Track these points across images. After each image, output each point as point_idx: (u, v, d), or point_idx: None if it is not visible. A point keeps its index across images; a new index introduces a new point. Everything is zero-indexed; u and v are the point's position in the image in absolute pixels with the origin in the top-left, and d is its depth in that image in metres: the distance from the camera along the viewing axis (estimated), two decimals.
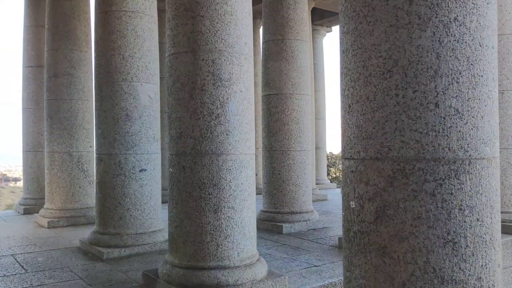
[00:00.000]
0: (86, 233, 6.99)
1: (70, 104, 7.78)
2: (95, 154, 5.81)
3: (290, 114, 7.05)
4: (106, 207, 5.59)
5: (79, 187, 7.85)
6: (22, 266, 5.08)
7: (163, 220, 5.57)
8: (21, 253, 5.65)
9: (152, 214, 5.75)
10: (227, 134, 3.81)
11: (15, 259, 5.39)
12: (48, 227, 7.47)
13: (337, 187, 14.97)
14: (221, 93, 3.81)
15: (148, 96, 5.72)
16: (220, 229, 3.77)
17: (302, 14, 7.31)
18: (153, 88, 5.81)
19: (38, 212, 9.05)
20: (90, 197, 8.03)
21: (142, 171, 5.63)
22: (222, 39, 3.84)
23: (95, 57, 5.77)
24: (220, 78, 3.82)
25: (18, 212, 9.34)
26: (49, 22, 7.88)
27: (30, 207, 9.21)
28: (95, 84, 5.78)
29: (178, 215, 3.88)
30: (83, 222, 7.77)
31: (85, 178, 7.94)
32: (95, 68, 5.80)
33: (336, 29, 15.37)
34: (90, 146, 8.07)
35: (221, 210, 3.78)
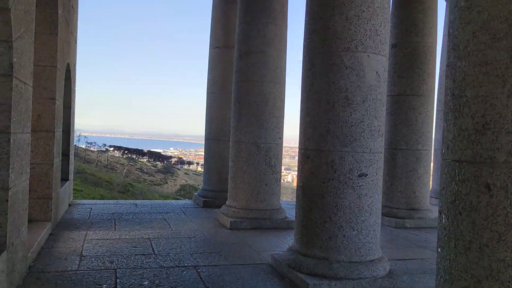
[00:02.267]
0: (273, 242, 5.76)
1: (261, 87, 6.67)
2: (299, 148, 4.44)
3: None
4: (311, 220, 4.18)
5: (265, 184, 6.71)
6: (207, 287, 3.98)
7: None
8: (205, 266, 4.60)
9: (371, 236, 4.15)
10: None
11: (198, 274, 4.34)
12: (230, 228, 6.49)
13: None
14: None
15: (375, 73, 4.11)
16: None
17: None
18: (382, 61, 4.18)
19: (217, 207, 8.29)
20: (276, 197, 6.84)
21: (362, 176, 4.05)
22: None
23: (308, 21, 4.36)
24: None
25: (198, 204, 8.74)
26: None
27: (210, 200, 8.51)
28: (304, 57, 4.39)
29: (471, 267, 2.16)
30: (267, 226, 6.61)
31: (272, 174, 6.77)
32: (306, 36, 4.40)
33: None
34: (279, 138, 6.87)
35: None
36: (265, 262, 4.81)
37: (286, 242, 5.81)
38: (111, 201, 8.79)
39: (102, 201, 8.70)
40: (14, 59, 3.36)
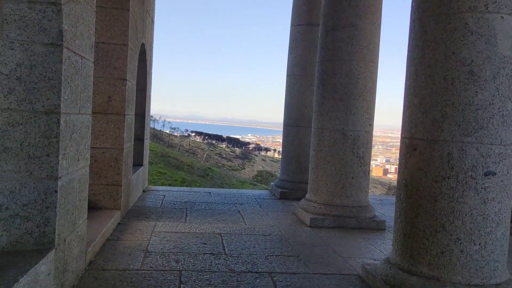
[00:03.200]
0: (362, 247, 4.94)
1: (349, 66, 5.80)
2: (402, 138, 3.57)
3: None
4: (417, 228, 3.32)
5: (352, 177, 5.87)
6: None
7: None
8: (281, 273, 3.93)
9: (498, 253, 3.21)
10: None
11: (274, 283, 3.67)
12: (309, 226, 5.77)
13: None
14: None
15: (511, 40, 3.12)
16: None
17: None
18: None
19: (295, 199, 7.60)
20: (363, 193, 5.98)
21: (489, 174, 3.11)
22: None
23: None
24: None
25: (274, 195, 8.10)
26: None
27: (287, 192, 7.83)
28: (413, 21, 3.49)
29: None
30: (353, 225, 5.79)
31: (360, 166, 5.91)
32: None
33: None
34: (370, 125, 5.98)
35: None
36: (353, 273, 4.03)
37: (377, 248, 4.96)
38: (185, 188, 8.44)
39: (176, 188, 8.37)
40: (65, 26, 2.86)
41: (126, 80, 5.44)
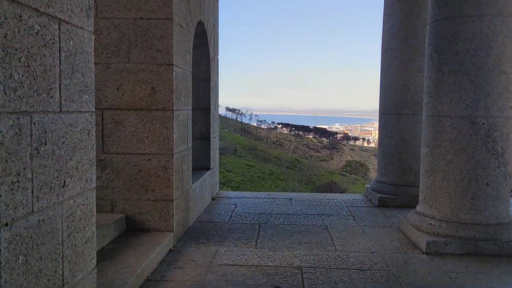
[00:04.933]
0: None
1: (479, 24, 4.05)
2: None
3: None
4: None
5: (486, 183, 4.13)
6: None
7: None
8: None
9: None
10: None
11: None
12: (426, 252, 4.14)
13: None
14: None
15: None
16: None
17: None
18: None
19: (398, 206, 5.98)
20: (503, 204, 4.21)
21: None
22: None
23: None
24: None
25: (371, 201, 6.50)
26: None
27: (387, 198, 6.19)
28: None
29: None
30: (491, 251, 4.07)
31: (498, 167, 4.15)
32: None
33: None
34: (511, 107, 4.18)
35: None
36: None
37: None
38: (262, 194, 7.14)
39: (250, 194, 7.10)
40: None
41: (172, 65, 4.22)
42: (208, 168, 6.35)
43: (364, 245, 4.41)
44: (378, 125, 6.84)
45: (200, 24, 5.73)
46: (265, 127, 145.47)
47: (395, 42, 6.27)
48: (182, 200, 4.64)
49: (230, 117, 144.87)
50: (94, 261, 2.50)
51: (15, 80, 1.72)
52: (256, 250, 4.19)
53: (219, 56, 7.19)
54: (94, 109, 2.45)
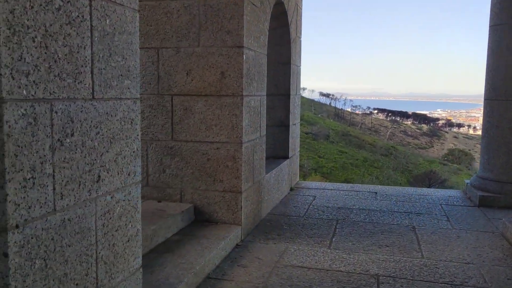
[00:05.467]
0: None
1: None
2: None
3: None
4: None
5: None
6: None
7: None
8: None
9: None
10: None
11: None
12: None
13: None
14: None
15: None
16: None
17: None
18: None
19: (503, 207, 5.19)
20: None
21: None
22: None
23: None
24: None
25: (470, 199, 5.72)
26: None
27: (491, 197, 5.38)
28: None
29: None
30: None
31: None
32: None
33: None
34: None
35: None
36: None
37: None
38: (344, 186, 6.65)
39: (332, 185, 6.64)
40: None
41: (243, 47, 3.92)
42: (286, 157, 6.02)
43: (457, 253, 3.80)
44: (483, 111, 5.98)
45: (279, 3, 5.36)
46: (360, 113, 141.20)
47: (506, 17, 5.36)
48: (253, 192, 4.38)
49: (323, 102, 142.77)
50: (139, 260, 2.31)
51: (27, 63, 1.52)
52: (329, 250, 3.80)
53: (302, 38, 6.77)
54: (138, 95, 2.24)
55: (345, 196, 5.84)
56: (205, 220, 4.11)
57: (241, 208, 4.04)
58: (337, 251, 3.79)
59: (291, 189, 6.19)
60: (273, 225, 4.53)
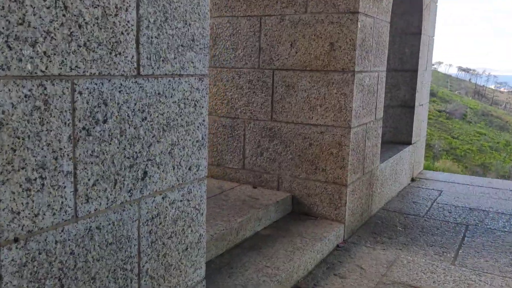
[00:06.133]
0: None
1: None
2: None
3: None
4: None
5: None
6: None
7: None
8: None
9: None
10: None
11: None
12: None
13: None
14: None
15: None
16: None
17: None
18: None
19: None
20: None
21: None
22: None
23: None
24: None
25: None
26: None
27: None
28: None
29: None
30: None
31: None
32: None
33: None
34: None
35: None
36: None
37: None
38: (479, 181, 5.58)
39: (464, 178, 5.62)
40: None
41: (358, 13, 3.26)
42: (409, 143, 5.20)
43: None
44: None
45: None
46: (505, 91, 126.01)
47: None
48: (362, 184, 3.75)
49: (462, 77, 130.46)
50: (201, 272, 1.92)
51: (34, 28, 1.15)
52: (452, 267, 3.05)
53: (438, 3, 5.73)
54: (206, 71, 1.79)
55: (480, 194, 4.86)
56: (303, 213, 3.62)
57: (345, 203, 3.46)
58: (464, 269, 3.03)
59: (412, 180, 5.37)
60: (384, 224, 3.87)
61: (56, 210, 1.27)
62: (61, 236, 1.29)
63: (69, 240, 1.31)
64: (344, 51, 3.32)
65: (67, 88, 1.25)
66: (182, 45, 1.65)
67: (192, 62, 1.71)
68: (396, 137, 5.23)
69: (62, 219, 1.29)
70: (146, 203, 1.58)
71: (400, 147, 4.98)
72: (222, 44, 3.80)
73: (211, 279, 2.45)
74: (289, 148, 3.62)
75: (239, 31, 3.71)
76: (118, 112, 1.42)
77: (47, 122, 1.21)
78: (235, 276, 2.55)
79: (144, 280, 1.61)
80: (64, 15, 1.22)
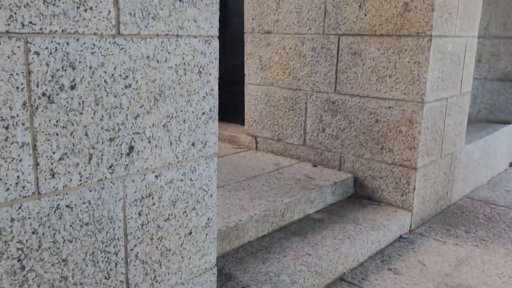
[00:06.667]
0: None
1: None
2: None
3: None
4: None
5: None
6: None
7: None
8: None
9: None
10: None
11: None
12: None
13: None
14: None
15: None
16: None
17: None
18: None
19: None
20: None
21: None
22: None
23: None
24: None
25: None
26: None
27: None
28: None
29: None
30: None
31: None
32: None
33: None
34: None
35: None
36: None
37: None
38: None
39: None
40: None
41: None
42: (508, 123, 4.47)
43: None
44: None
45: None
46: None
47: None
48: (439, 168, 3.27)
49: None
50: (211, 258, 1.73)
51: None
52: None
53: None
54: (214, 32, 1.55)
55: None
56: (366, 197, 3.26)
57: (414, 189, 3.02)
58: None
59: (510, 165, 4.65)
60: (464, 214, 3.36)
61: (11, 185, 1.14)
62: (18, 214, 1.16)
63: (29, 218, 1.19)
64: (420, 12, 2.83)
65: (18, 47, 1.10)
66: (180, 0, 1.42)
67: (194, 21, 1.48)
68: (493, 115, 4.53)
69: (20, 195, 1.16)
70: (133, 181, 1.41)
71: (496, 127, 4.29)
72: (286, 7, 3.48)
73: (243, 264, 2.26)
74: (353, 124, 3.25)
75: None
76: (91, 77, 1.24)
77: None
78: (270, 262, 2.33)
79: (134, 265, 1.46)
80: None
